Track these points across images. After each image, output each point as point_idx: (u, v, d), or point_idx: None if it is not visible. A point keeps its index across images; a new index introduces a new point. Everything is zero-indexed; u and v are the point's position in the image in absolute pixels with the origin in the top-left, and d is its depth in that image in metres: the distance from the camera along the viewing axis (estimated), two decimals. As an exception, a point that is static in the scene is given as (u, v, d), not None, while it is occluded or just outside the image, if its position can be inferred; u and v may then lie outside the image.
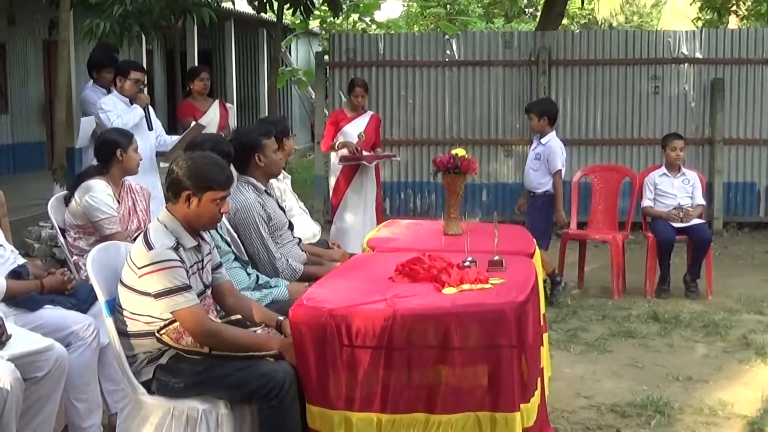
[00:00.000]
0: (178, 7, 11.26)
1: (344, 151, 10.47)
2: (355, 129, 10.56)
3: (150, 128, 8.84)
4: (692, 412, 6.32)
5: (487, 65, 14.30)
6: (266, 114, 18.28)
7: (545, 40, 14.18)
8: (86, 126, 8.96)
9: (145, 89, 8.92)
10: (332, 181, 10.81)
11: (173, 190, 4.72)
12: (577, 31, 17.14)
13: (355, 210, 10.54)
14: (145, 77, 8.99)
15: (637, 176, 10.48)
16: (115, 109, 8.59)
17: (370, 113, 10.92)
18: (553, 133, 9.73)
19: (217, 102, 10.75)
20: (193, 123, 9.40)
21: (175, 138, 9.13)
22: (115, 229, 6.34)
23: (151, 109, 9.07)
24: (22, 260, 5.77)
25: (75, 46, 14.33)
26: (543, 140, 9.61)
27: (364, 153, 10.45)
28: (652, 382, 6.98)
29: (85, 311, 5.55)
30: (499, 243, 5.60)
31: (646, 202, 10.05)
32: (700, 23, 23.71)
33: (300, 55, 27.06)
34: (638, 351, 7.81)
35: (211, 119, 10.34)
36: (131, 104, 8.75)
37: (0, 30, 15.44)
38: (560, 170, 9.57)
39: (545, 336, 6.15)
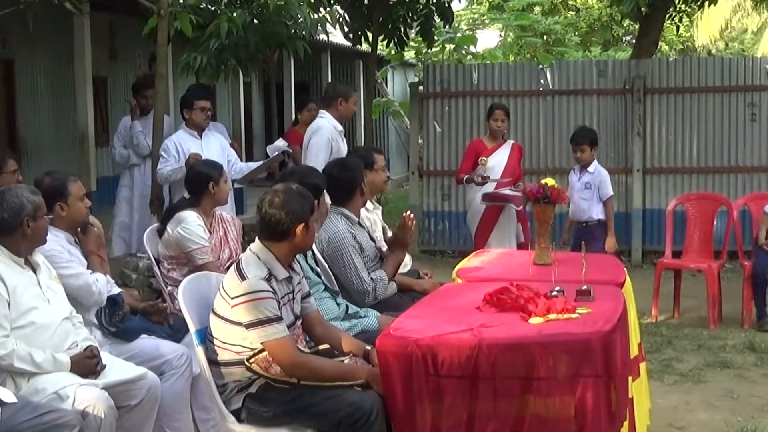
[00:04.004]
0: (273, 40, 11.39)
1: (486, 187, 9.80)
2: (494, 163, 9.90)
3: None
4: (788, 444, 6.23)
5: (581, 94, 14.18)
6: (362, 144, 18.39)
7: (640, 69, 14.01)
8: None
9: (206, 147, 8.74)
10: (475, 216, 10.11)
11: (281, 230, 4.79)
12: (672, 58, 16.96)
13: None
14: (210, 104, 8.96)
15: (732, 204, 10.33)
16: (174, 151, 8.57)
17: (510, 143, 10.27)
18: (596, 160, 9.67)
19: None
20: (275, 153, 9.55)
21: (251, 164, 9.27)
22: (207, 259, 6.47)
23: (221, 140, 9.22)
24: (117, 290, 5.93)
25: (174, 81, 14.64)
26: (590, 168, 9.46)
27: (508, 192, 9.73)
28: (747, 413, 6.88)
29: (178, 341, 5.68)
30: (589, 272, 5.58)
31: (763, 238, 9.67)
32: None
33: (396, 86, 27.17)
34: (734, 381, 7.70)
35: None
36: (200, 136, 8.77)
37: (102, 64, 15.76)
38: (612, 195, 9.53)
39: (642, 366, 6.13)
